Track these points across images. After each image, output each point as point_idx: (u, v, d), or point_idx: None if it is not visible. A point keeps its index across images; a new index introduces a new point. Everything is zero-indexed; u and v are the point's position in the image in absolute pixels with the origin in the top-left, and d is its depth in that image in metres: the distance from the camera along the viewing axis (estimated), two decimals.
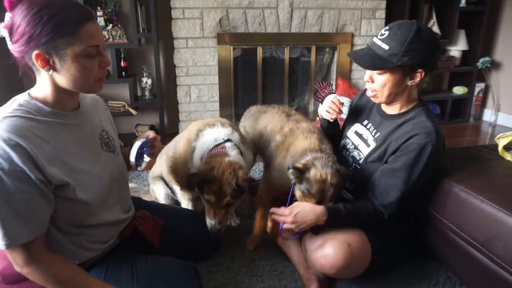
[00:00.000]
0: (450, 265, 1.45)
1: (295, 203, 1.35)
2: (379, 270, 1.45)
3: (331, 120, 1.60)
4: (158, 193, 1.85)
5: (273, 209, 1.40)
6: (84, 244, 1.14)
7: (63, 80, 1.02)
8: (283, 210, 1.35)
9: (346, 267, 1.25)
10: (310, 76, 3.55)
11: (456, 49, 3.76)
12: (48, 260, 1.01)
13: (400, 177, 1.30)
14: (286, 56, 3.40)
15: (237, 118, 3.17)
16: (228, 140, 1.50)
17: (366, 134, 1.50)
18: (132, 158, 1.27)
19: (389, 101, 1.40)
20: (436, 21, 3.61)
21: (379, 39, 1.32)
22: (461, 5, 3.55)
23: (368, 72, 1.37)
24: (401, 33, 1.26)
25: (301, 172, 1.31)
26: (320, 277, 1.42)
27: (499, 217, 1.11)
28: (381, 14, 3.44)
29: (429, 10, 3.64)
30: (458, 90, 3.85)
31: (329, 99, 1.57)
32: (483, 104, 3.99)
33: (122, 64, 3.11)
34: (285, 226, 1.34)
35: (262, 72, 3.40)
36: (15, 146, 0.91)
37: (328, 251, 1.26)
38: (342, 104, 1.56)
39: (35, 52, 0.96)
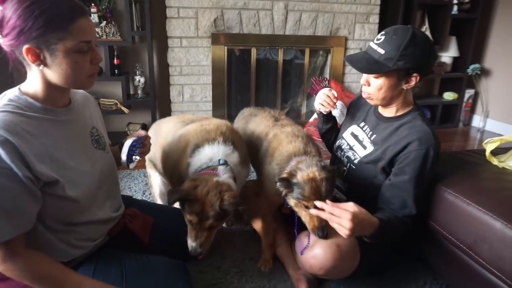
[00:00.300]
0: (437, 267, 1.48)
1: (353, 210, 1.11)
2: (368, 272, 1.46)
3: (325, 113, 1.66)
4: (154, 180, 1.84)
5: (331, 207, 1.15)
6: (72, 242, 1.13)
7: (54, 75, 1.01)
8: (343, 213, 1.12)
9: (335, 268, 1.26)
10: (303, 79, 3.57)
11: (447, 55, 3.82)
12: (27, 257, 0.98)
13: (411, 188, 1.29)
14: (280, 58, 3.41)
15: (230, 118, 3.18)
16: (224, 163, 1.40)
17: (362, 135, 1.51)
18: (124, 156, 1.26)
19: (384, 103, 1.42)
20: (428, 27, 3.66)
21: (375, 43, 1.33)
22: (453, 13, 3.61)
23: (365, 75, 1.38)
24: (396, 37, 1.28)
25: (289, 181, 1.27)
26: (309, 277, 1.43)
27: (485, 220, 1.13)
28: (375, 19, 3.47)
29: (421, 17, 3.70)
30: (449, 95, 3.91)
31: (323, 92, 1.61)
32: (472, 110, 4.06)
33: (115, 61, 3.09)
34: (337, 228, 1.13)
35: (255, 73, 3.41)
36: (3, 142, 0.90)
37: (317, 252, 1.27)
38: (336, 98, 1.59)
39: (25, 47, 0.95)
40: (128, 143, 1.27)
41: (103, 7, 2.97)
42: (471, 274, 1.20)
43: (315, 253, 1.28)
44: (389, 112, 1.45)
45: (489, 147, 1.42)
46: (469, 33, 3.72)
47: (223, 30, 3.16)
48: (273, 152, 1.49)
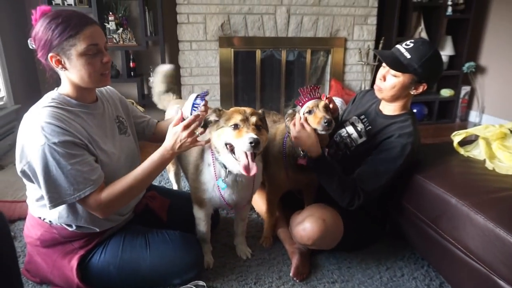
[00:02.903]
0: (413, 242, 1.71)
1: (305, 128, 1.46)
2: (352, 245, 1.70)
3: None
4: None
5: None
6: None
7: (73, 76, 1.25)
8: (298, 122, 1.47)
9: (321, 239, 1.52)
10: (305, 77, 3.80)
11: (444, 54, 4.00)
12: (105, 196, 1.24)
13: (381, 169, 1.52)
14: (283, 58, 3.65)
15: None
16: None
17: (360, 126, 1.72)
18: (187, 112, 1.34)
19: (389, 100, 1.62)
20: (424, 27, 3.85)
21: (404, 48, 1.53)
22: (447, 13, 3.79)
23: (382, 72, 1.59)
24: (423, 48, 1.49)
25: (294, 110, 1.55)
26: (302, 250, 1.68)
27: (443, 198, 1.37)
28: (373, 20, 3.68)
29: (417, 18, 3.88)
30: (445, 92, 4.09)
31: (305, 109, 1.53)
32: (469, 106, 4.23)
33: (131, 64, 3.37)
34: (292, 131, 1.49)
35: (260, 73, 3.65)
36: (57, 126, 1.17)
37: (306, 225, 1.53)
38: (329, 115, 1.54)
39: (50, 55, 1.21)
40: (192, 97, 1.35)
41: (120, 15, 3.25)
42: (435, 245, 1.44)
43: (304, 226, 1.54)
44: (388, 110, 1.66)
45: (456, 139, 1.65)
46: (464, 32, 3.90)
47: (229, 34, 3.40)
48: (274, 137, 1.75)
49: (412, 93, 1.56)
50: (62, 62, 1.22)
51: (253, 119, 1.35)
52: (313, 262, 1.70)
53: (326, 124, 1.45)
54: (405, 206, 1.60)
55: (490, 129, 1.56)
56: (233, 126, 1.32)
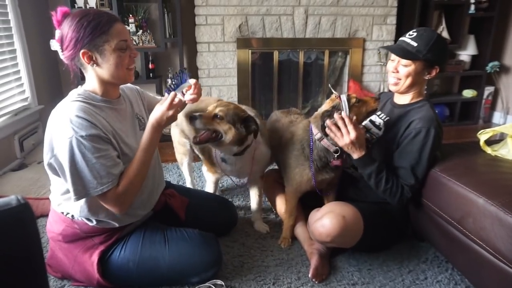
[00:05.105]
0: (437, 244, 1.65)
1: (358, 131, 1.50)
2: (373, 246, 1.66)
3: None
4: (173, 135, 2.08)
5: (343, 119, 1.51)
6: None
7: (104, 72, 1.29)
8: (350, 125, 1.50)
9: (340, 236, 1.49)
10: (323, 79, 3.76)
11: (466, 54, 3.91)
12: (121, 187, 1.26)
13: (413, 158, 1.54)
14: (301, 59, 3.63)
15: None
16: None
17: (378, 121, 1.71)
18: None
19: (407, 90, 1.65)
20: (445, 27, 3.76)
21: (409, 38, 1.59)
22: (470, 11, 3.69)
23: (393, 64, 1.63)
24: (426, 35, 1.57)
25: (330, 112, 1.56)
26: (321, 251, 1.65)
27: (470, 197, 1.31)
28: (392, 20, 3.62)
29: (438, 17, 3.80)
30: (468, 93, 3.98)
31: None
32: (492, 107, 4.11)
33: (150, 66, 3.41)
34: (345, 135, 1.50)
35: (278, 74, 3.64)
36: (84, 119, 1.20)
37: (325, 222, 1.51)
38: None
39: (82, 51, 1.24)
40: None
41: (140, 17, 3.30)
42: (461, 246, 1.39)
43: (323, 223, 1.52)
44: (404, 99, 1.69)
45: (482, 137, 1.59)
46: (487, 31, 3.79)
47: (247, 35, 3.41)
48: (292, 136, 1.77)
49: (426, 78, 1.62)
50: (94, 58, 1.26)
51: (216, 109, 1.59)
52: (333, 263, 1.67)
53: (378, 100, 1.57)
54: (428, 206, 1.56)
55: None
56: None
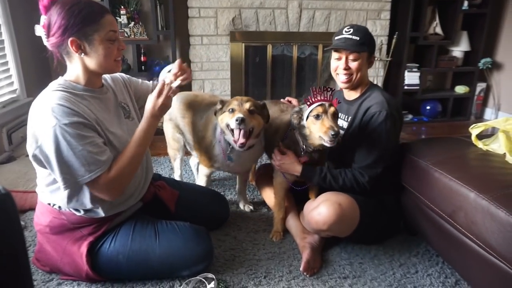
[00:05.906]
0: (428, 238, 1.66)
1: (285, 156, 1.68)
2: (367, 236, 1.68)
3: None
4: (166, 130, 2.08)
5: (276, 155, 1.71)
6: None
7: (91, 61, 1.28)
8: (276, 155, 1.70)
9: (336, 223, 1.50)
10: (317, 73, 3.75)
11: (459, 50, 3.92)
12: (112, 172, 1.25)
13: (370, 142, 1.58)
14: (295, 53, 3.61)
15: None
16: None
17: (340, 122, 1.75)
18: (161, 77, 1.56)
19: (357, 84, 1.68)
20: (439, 22, 3.77)
21: (349, 34, 1.62)
22: (463, 8, 3.70)
23: (340, 63, 1.64)
24: (361, 28, 1.64)
25: (300, 109, 1.59)
26: (313, 245, 1.64)
27: (462, 191, 1.31)
28: (386, 15, 3.61)
29: (432, 12, 3.80)
30: (460, 89, 4.00)
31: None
32: (484, 103, 4.14)
33: (142, 59, 3.37)
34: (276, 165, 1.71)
35: (271, 68, 3.62)
36: (66, 107, 1.18)
37: (322, 210, 1.52)
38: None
39: (70, 39, 1.22)
40: (164, 70, 1.63)
41: (131, 9, 3.25)
42: (452, 240, 1.39)
43: (320, 211, 1.53)
44: (354, 94, 1.73)
45: (474, 132, 1.59)
46: (480, 27, 3.81)
47: (240, 28, 3.38)
48: (278, 127, 1.81)
49: (369, 68, 1.72)
50: (82, 47, 1.25)
51: (247, 105, 1.64)
52: (324, 257, 1.67)
53: (333, 136, 1.45)
54: (420, 199, 1.56)
55: (511, 121, 1.50)
56: (230, 109, 1.64)
